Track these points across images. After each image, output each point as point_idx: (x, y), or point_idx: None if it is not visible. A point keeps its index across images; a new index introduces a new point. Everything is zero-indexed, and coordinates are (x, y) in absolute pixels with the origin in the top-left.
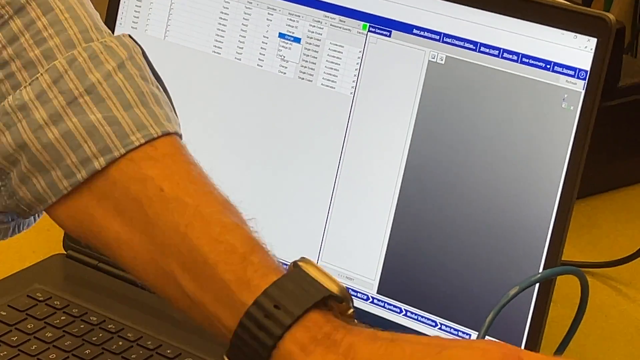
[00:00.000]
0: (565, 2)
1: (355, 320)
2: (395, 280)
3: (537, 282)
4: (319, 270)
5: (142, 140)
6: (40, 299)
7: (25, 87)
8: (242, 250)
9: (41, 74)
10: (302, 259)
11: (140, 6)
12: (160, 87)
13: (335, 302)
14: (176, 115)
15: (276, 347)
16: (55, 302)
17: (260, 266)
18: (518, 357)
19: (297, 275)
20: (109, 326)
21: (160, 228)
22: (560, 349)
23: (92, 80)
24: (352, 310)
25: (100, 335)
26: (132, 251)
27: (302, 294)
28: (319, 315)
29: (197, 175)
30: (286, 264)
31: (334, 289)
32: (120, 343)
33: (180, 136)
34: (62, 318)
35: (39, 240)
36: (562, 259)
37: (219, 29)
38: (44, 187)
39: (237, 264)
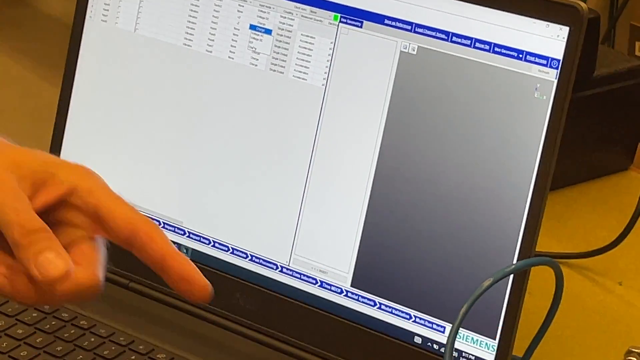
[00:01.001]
0: None
1: None
2: (369, 274)
3: (511, 274)
4: None
5: None
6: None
7: None
8: None
9: None
10: None
11: None
12: None
13: None
14: None
15: None
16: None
17: None
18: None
19: None
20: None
21: None
22: (536, 340)
23: None
24: None
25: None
26: None
27: None
28: None
29: None
30: (258, 257)
31: None
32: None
33: None
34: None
35: None
36: (539, 249)
37: (189, 21)
38: None
39: None
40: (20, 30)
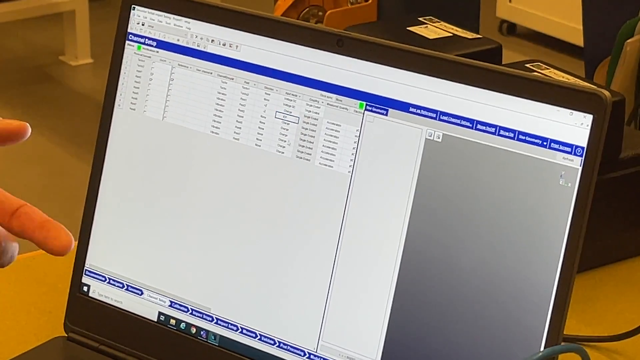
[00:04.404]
0: (561, 79)
1: None
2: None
3: None
4: None
5: None
6: None
7: None
8: None
9: None
10: None
11: (138, 87)
12: None
13: None
14: None
15: None
16: None
17: None
18: None
19: None
20: None
21: None
22: None
23: None
24: None
25: None
26: None
27: None
28: None
29: None
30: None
31: None
32: None
33: None
34: None
35: (40, 323)
36: (567, 332)
37: (216, 109)
38: None
39: None
40: (50, 107)
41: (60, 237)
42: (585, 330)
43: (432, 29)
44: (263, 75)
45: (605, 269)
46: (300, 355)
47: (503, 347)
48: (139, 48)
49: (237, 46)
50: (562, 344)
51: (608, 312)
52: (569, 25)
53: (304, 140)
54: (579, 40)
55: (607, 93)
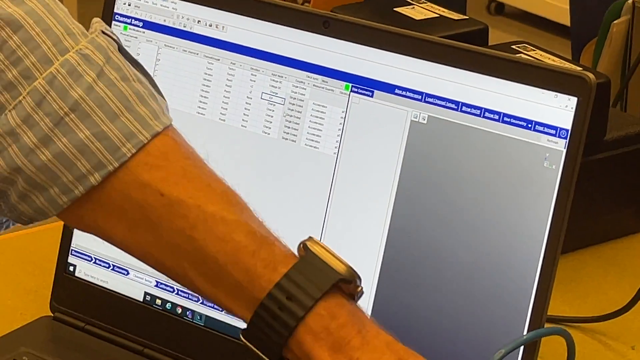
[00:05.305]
0: (546, 61)
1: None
2: None
3: (522, 344)
4: (326, 251)
5: (134, 150)
6: None
7: (9, 110)
8: (250, 248)
9: (24, 97)
10: (310, 239)
11: None
12: (140, 76)
13: (345, 283)
14: (162, 97)
15: (291, 336)
16: None
17: (270, 261)
18: None
19: (306, 263)
20: None
21: (166, 231)
22: None
23: (74, 97)
24: (360, 288)
25: None
26: (141, 250)
27: (312, 284)
28: (330, 303)
29: (193, 169)
30: None
31: (341, 269)
32: None
33: (170, 124)
34: None
35: (26, 303)
36: (550, 313)
37: (202, 90)
38: (44, 203)
39: (247, 261)
40: None
41: None
42: (569, 311)
43: (419, 10)
44: (249, 56)
45: (589, 250)
46: None
47: (487, 328)
48: (125, 28)
49: (223, 27)
50: (546, 325)
51: (592, 293)
52: (558, 5)
53: (290, 122)
54: (567, 20)
55: (591, 76)
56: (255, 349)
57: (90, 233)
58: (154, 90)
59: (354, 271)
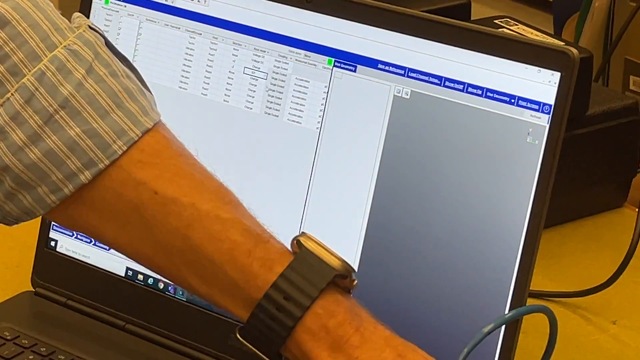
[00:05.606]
0: (529, 36)
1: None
2: None
3: (505, 323)
4: (320, 246)
5: (125, 148)
6: (8, 337)
7: None
8: (246, 247)
9: (12, 94)
10: (303, 235)
11: None
12: (128, 71)
13: (340, 278)
14: (149, 91)
15: (289, 336)
16: (23, 341)
17: (265, 259)
18: None
19: (301, 261)
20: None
21: (161, 231)
22: None
23: (64, 93)
24: (355, 281)
25: None
26: (133, 249)
27: (308, 283)
28: (327, 301)
29: (186, 167)
30: None
31: (336, 264)
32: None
33: (159, 119)
34: (30, 357)
35: (7, 278)
36: (532, 288)
37: (185, 65)
38: (31, 202)
39: (243, 260)
40: None
41: None
42: (550, 285)
43: None
44: (231, 30)
45: (570, 225)
46: None
47: (470, 303)
48: (106, 2)
49: (205, 1)
50: (528, 300)
51: (573, 267)
52: None
53: (272, 97)
54: None
55: (575, 51)
56: (253, 348)
57: (81, 232)
58: (142, 85)
59: (349, 265)
